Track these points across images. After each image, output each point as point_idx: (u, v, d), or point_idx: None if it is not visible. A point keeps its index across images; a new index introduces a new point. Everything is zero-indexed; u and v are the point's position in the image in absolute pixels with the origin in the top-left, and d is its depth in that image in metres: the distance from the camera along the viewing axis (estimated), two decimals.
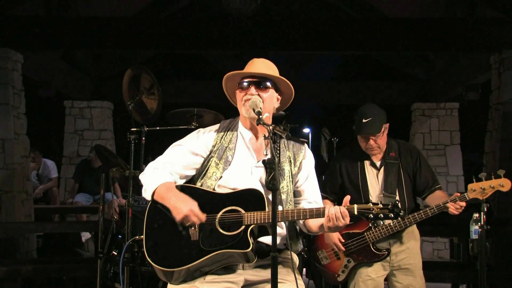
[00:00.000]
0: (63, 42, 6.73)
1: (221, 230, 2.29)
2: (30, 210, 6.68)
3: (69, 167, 8.64)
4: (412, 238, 3.42)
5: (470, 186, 3.11)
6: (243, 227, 2.27)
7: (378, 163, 3.41)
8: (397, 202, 2.30)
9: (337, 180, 3.48)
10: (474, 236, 3.44)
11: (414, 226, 3.43)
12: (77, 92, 8.94)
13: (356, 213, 2.28)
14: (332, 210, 2.27)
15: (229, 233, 2.28)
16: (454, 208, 3.12)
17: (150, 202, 2.40)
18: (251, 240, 2.24)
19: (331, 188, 3.50)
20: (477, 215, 3.41)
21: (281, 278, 2.30)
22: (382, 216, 2.29)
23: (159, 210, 2.35)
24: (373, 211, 2.28)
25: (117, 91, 5.06)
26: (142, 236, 2.35)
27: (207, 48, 7.24)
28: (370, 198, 3.32)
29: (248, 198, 2.31)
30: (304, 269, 4.87)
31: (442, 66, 8.57)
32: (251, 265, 2.37)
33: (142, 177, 2.45)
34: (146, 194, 2.40)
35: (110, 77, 9.12)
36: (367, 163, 3.42)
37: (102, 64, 9.13)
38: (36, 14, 7.01)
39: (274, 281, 2.05)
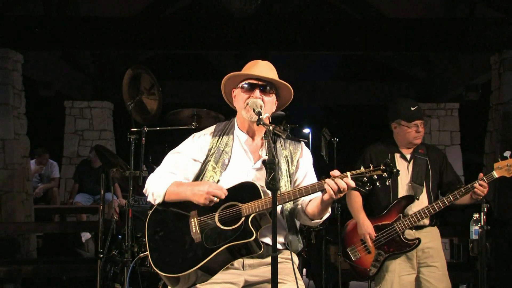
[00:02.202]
0: (63, 42, 6.74)
1: (222, 226, 2.30)
2: (30, 210, 6.68)
3: (69, 167, 8.64)
4: (437, 238, 3.48)
5: (496, 164, 3.22)
6: (243, 218, 2.29)
7: (408, 156, 3.51)
8: (388, 161, 2.30)
9: None
10: (474, 237, 3.45)
11: (436, 227, 3.49)
12: (77, 92, 8.94)
13: (350, 180, 2.25)
14: (329, 180, 2.25)
15: (230, 228, 2.29)
16: (480, 190, 3.21)
17: (148, 217, 2.40)
18: (253, 229, 2.27)
19: None
20: (477, 215, 3.42)
21: (281, 278, 2.30)
22: (376, 177, 2.26)
23: (158, 221, 2.37)
24: (367, 174, 2.26)
25: (117, 91, 5.06)
26: (146, 253, 2.36)
27: (207, 48, 7.25)
28: (399, 189, 3.42)
29: (242, 192, 2.34)
30: (304, 270, 4.87)
31: (442, 66, 8.57)
32: (251, 265, 2.37)
33: (148, 186, 2.45)
34: (157, 198, 2.39)
35: (110, 77, 9.11)
36: (397, 155, 3.51)
37: (102, 64, 9.13)
38: (36, 14, 7.01)
39: (274, 281, 2.05)
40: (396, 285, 3.38)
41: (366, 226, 3.43)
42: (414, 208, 3.40)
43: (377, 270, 3.44)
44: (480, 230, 3.42)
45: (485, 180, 3.21)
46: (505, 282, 5.32)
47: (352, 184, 2.23)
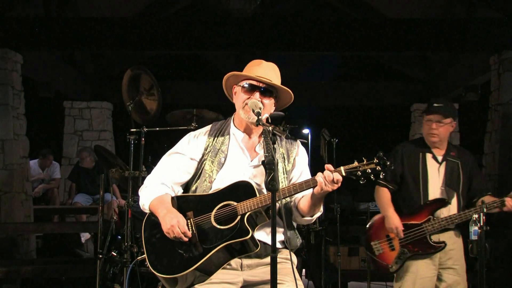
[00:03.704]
0: (63, 42, 6.73)
1: (218, 226, 2.32)
2: (29, 211, 6.67)
3: (68, 167, 8.62)
4: (459, 241, 3.49)
5: None
6: (238, 217, 2.30)
7: (439, 158, 3.50)
8: (382, 154, 2.28)
9: (399, 169, 3.52)
10: (473, 237, 3.44)
11: (458, 231, 3.51)
12: (77, 92, 8.94)
13: (344, 173, 2.25)
14: (323, 173, 2.26)
15: (226, 227, 2.31)
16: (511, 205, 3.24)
17: (144, 220, 2.44)
18: (249, 228, 2.27)
19: (392, 177, 3.53)
20: (476, 216, 3.41)
21: (280, 278, 2.29)
22: (370, 171, 2.26)
23: (154, 224, 2.38)
24: (360, 169, 2.26)
25: (116, 91, 5.06)
26: (144, 256, 2.38)
27: (207, 48, 7.24)
28: (429, 190, 3.43)
29: (237, 191, 2.35)
30: (304, 270, 4.87)
31: (442, 66, 8.57)
32: (249, 265, 2.37)
33: (140, 192, 2.50)
34: (144, 208, 2.46)
35: (110, 77, 9.11)
36: (429, 156, 3.51)
37: (101, 65, 9.12)
38: (35, 14, 7.00)
39: (273, 281, 2.05)
40: (418, 286, 3.38)
41: (396, 220, 3.43)
42: (445, 211, 3.42)
43: (398, 268, 3.44)
44: (479, 230, 3.42)
45: None
46: (504, 282, 5.32)
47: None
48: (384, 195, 3.54)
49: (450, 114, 3.47)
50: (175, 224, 2.25)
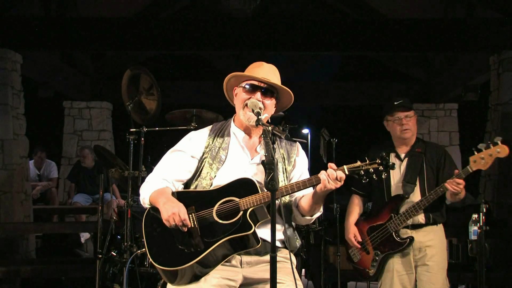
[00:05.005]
0: (62, 42, 6.73)
1: (220, 221, 2.33)
2: (29, 211, 6.67)
3: (68, 167, 8.62)
4: (437, 237, 3.46)
5: (471, 158, 3.16)
6: (241, 212, 2.32)
7: (402, 155, 3.50)
8: (384, 154, 2.35)
9: None
10: (473, 237, 3.45)
11: (440, 226, 3.49)
12: (76, 92, 8.93)
13: (347, 172, 2.30)
14: (327, 171, 2.28)
15: (229, 221, 2.32)
16: (451, 186, 3.16)
17: (144, 215, 2.44)
18: (251, 223, 2.29)
19: (361, 184, 3.51)
20: (476, 216, 3.42)
21: (280, 278, 2.29)
22: (372, 170, 2.32)
23: (154, 218, 2.38)
24: (363, 168, 2.31)
25: (116, 91, 5.05)
26: (143, 249, 2.38)
27: (206, 48, 7.24)
28: (392, 188, 3.45)
29: (239, 187, 2.36)
30: (303, 270, 4.87)
31: (441, 66, 8.57)
32: (249, 262, 2.37)
33: (141, 189, 2.51)
34: (145, 202, 2.46)
35: (109, 77, 9.11)
36: (392, 155, 3.51)
37: (101, 65, 9.13)
38: (35, 14, 7.00)
39: (273, 281, 2.05)
40: (396, 284, 3.39)
41: (348, 231, 3.54)
42: (405, 207, 3.40)
43: (375, 270, 3.46)
44: (479, 230, 3.43)
45: (462, 174, 3.15)
46: (504, 282, 5.32)
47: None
48: (350, 202, 3.66)
49: (412, 107, 3.51)
50: (176, 211, 2.25)
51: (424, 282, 3.37)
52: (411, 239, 3.37)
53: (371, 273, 3.48)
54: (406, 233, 3.41)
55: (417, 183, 3.42)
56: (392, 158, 3.50)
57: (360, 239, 3.50)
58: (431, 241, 3.42)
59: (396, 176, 3.47)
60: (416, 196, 3.41)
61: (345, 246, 3.69)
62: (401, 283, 3.39)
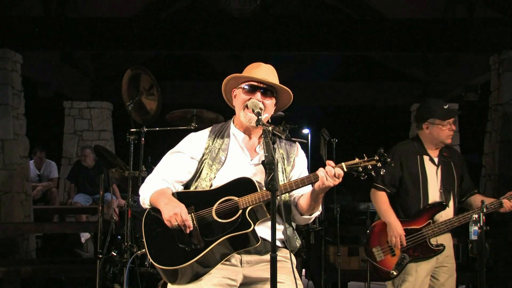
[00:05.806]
0: (63, 42, 6.73)
1: (219, 220, 2.34)
2: (29, 211, 6.67)
3: (68, 167, 8.62)
4: (449, 238, 3.50)
5: None
6: (240, 211, 2.33)
7: (436, 160, 3.49)
8: (381, 150, 2.32)
9: (398, 172, 3.49)
10: (473, 237, 3.45)
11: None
12: (77, 92, 8.93)
13: (345, 169, 2.29)
14: (325, 168, 2.28)
15: (228, 220, 2.33)
16: (509, 206, 3.30)
17: (144, 215, 2.44)
18: (250, 221, 2.30)
19: (391, 181, 3.50)
20: (476, 216, 3.41)
21: (280, 278, 2.29)
22: (371, 167, 2.30)
23: (154, 219, 2.39)
24: (361, 165, 2.30)
25: (116, 91, 5.05)
26: (143, 250, 2.38)
27: (206, 48, 7.24)
28: (429, 194, 3.42)
29: (238, 186, 2.37)
30: (304, 270, 4.87)
31: (442, 67, 8.57)
32: (249, 262, 2.38)
33: (141, 190, 2.51)
34: (145, 202, 2.46)
35: (110, 77, 9.11)
36: (426, 158, 3.49)
37: (101, 65, 9.12)
38: (35, 14, 7.00)
39: (273, 281, 2.05)
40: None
41: (399, 229, 3.40)
42: (443, 215, 3.41)
43: (398, 273, 3.43)
44: (479, 230, 3.42)
45: None
46: (504, 282, 5.32)
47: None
48: (383, 200, 3.51)
49: None
50: (178, 212, 2.26)
51: (444, 282, 3.42)
52: (444, 247, 3.40)
53: (393, 276, 3.43)
54: (433, 239, 3.42)
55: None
56: (427, 162, 3.47)
57: (405, 244, 3.40)
58: (449, 243, 3.48)
59: (433, 181, 3.44)
60: (450, 204, 3.44)
61: (367, 242, 3.59)
62: (422, 287, 3.40)
